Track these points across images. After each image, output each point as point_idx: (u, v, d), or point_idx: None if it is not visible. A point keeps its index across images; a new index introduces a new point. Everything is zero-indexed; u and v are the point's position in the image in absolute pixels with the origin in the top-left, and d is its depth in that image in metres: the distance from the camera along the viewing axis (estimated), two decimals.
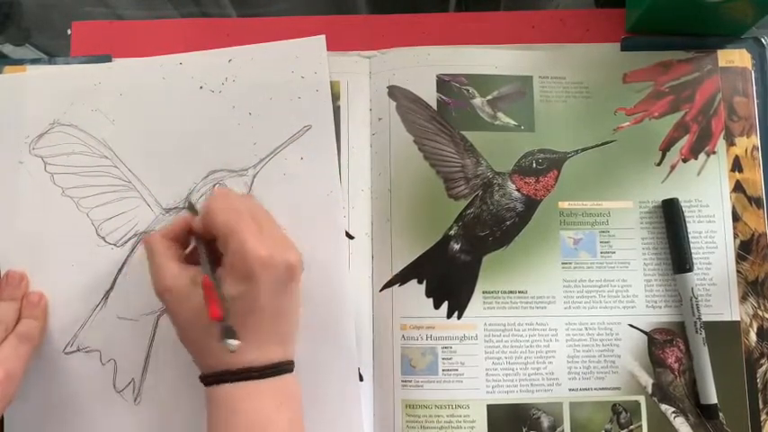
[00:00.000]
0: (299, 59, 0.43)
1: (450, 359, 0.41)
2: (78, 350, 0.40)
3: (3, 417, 0.40)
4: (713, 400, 0.40)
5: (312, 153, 0.42)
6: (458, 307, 0.41)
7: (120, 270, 0.41)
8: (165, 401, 0.40)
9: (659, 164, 0.43)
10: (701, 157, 0.43)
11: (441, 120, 0.43)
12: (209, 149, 0.42)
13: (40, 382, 0.40)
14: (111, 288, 0.41)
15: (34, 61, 0.44)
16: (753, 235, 0.42)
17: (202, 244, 0.35)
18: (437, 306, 0.41)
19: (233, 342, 0.31)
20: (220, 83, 0.43)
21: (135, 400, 0.40)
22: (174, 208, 0.42)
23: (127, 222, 0.42)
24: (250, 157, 0.42)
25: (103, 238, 0.41)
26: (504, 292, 0.42)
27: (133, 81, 0.43)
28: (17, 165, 0.42)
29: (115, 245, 0.41)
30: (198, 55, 0.43)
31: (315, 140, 0.42)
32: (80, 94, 0.43)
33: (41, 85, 0.43)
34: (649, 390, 0.41)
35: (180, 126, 0.43)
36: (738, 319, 0.42)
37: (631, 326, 0.41)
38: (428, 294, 0.41)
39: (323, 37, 0.44)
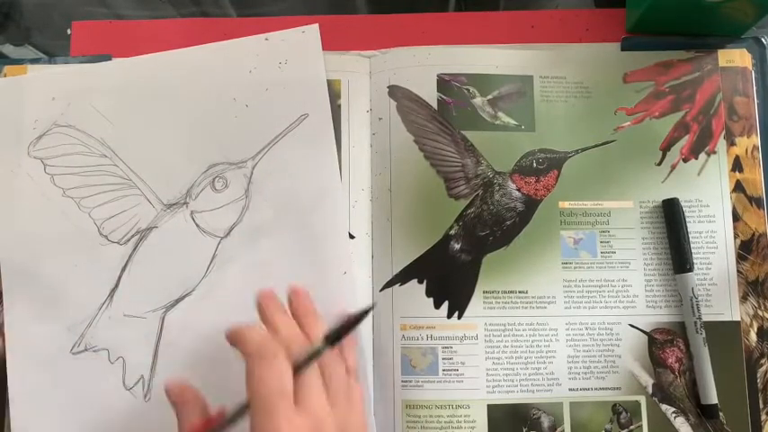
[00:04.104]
0: (294, 49, 0.43)
1: (450, 359, 0.41)
2: (86, 350, 0.40)
3: (4, 416, 0.40)
4: (713, 400, 0.40)
5: (310, 141, 0.42)
6: (458, 307, 0.41)
7: (123, 268, 0.41)
8: None
9: (659, 164, 0.43)
10: (702, 156, 0.43)
11: (441, 119, 0.43)
12: (209, 143, 0.42)
13: (48, 382, 0.40)
14: (116, 286, 0.41)
15: (34, 61, 0.44)
16: (753, 235, 0.42)
17: None
18: (437, 306, 0.41)
19: None
20: (216, 76, 0.43)
21: (145, 397, 0.40)
22: (176, 203, 0.42)
23: (129, 220, 0.42)
24: (249, 149, 0.42)
25: (106, 236, 0.41)
26: (505, 292, 0.42)
27: (130, 79, 0.43)
28: (17, 167, 0.42)
29: (118, 243, 0.41)
30: (192, 50, 0.44)
31: (312, 129, 0.42)
32: (77, 93, 0.43)
33: (38, 87, 0.43)
34: (650, 390, 0.41)
35: (178, 121, 0.43)
36: (739, 319, 0.42)
37: (632, 326, 0.41)
38: (428, 294, 0.41)
39: (316, 26, 0.44)
